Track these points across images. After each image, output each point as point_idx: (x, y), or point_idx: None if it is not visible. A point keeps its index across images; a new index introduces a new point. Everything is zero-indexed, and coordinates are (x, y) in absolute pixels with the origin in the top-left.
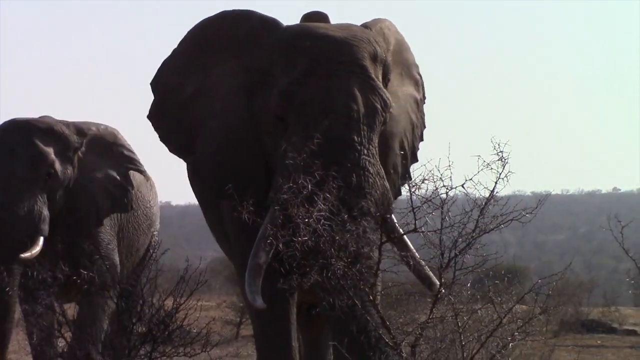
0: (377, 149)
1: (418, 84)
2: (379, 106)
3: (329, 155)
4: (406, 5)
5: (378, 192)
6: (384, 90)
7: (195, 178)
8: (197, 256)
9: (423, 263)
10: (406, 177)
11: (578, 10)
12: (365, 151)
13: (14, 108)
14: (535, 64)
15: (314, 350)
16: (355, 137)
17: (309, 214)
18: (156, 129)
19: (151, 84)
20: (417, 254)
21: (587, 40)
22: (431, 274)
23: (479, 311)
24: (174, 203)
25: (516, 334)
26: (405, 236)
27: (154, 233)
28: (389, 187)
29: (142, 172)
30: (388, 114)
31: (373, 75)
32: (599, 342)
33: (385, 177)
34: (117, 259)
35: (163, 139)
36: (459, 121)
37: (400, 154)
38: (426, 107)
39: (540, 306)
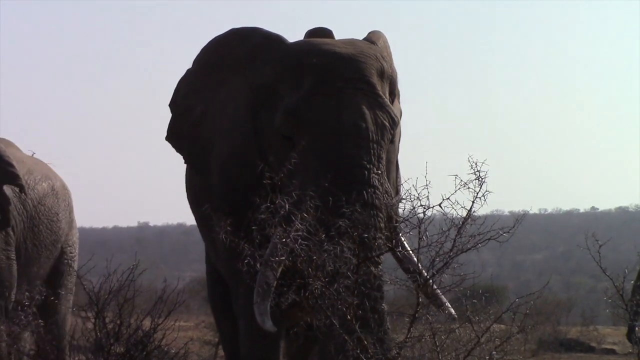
0: (384, 166)
1: (399, 95)
2: (387, 124)
3: (340, 175)
4: (382, 25)
5: (389, 208)
6: (392, 107)
7: (198, 192)
8: (175, 276)
9: (437, 289)
10: (397, 191)
11: (553, 31)
12: (375, 169)
13: None
14: (513, 85)
15: None
16: (364, 156)
17: (286, 234)
18: (177, 150)
19: (169, 105)
20: (424, 272)
21: (563, 61)
22: (439, 292)
23: (456, 330)
24: (152, 224)
25: (494, 353)
26: (412, 253)
27: (69, 247)
28: (394, 204)
29: (20, 186)
30: (395, 131)
31: (380, 92)
32: None
33: (391, 193)
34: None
35: (186, 160)
36: (436, 140)
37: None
38: (403, 127)
39: (518, 325)
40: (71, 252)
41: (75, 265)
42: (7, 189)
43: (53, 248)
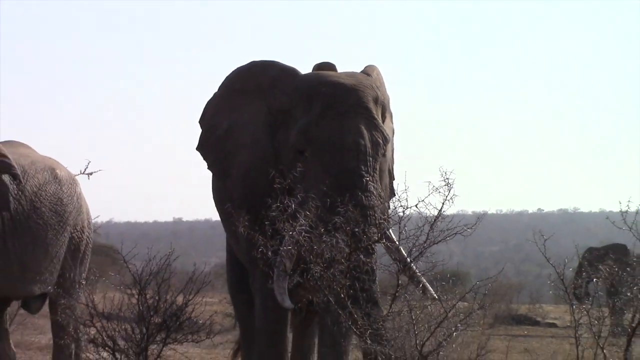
0: (378, 175)
1: (392, 116)
2: (380, 141)
3: (343, 183)
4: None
5: (379, 209)
6: (384, 128)
7: (221, 193)
8: (203, 262)
9: (417, 272)
10: (393, 193)
11: (511, 44)
12: (371, 178)
13: None
14: (472, 110)
15: (302, 340)
16: (363, 167)
17: (292, 228)
18: (204, 158)
19: (199, 122)
20: (413, 265)
21: (516, 72)
22: (424, 279)
23: (429, 307)
24: (185, 219)
25: (459, 325)
26: (400, 247)
27: (77, 232)
28: (386, 205)
29: (14, 175)
30: (387, 146)
31: (376, 115)
32: (525, 332)
33: (383, 196)
34: None
35: (209, 166)
36: (412, 153)
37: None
38: (397, 141)
39: (478, 303)
40: (79, 238)
41: (85, 249)
42: (5, 178)
43: (60, 229)
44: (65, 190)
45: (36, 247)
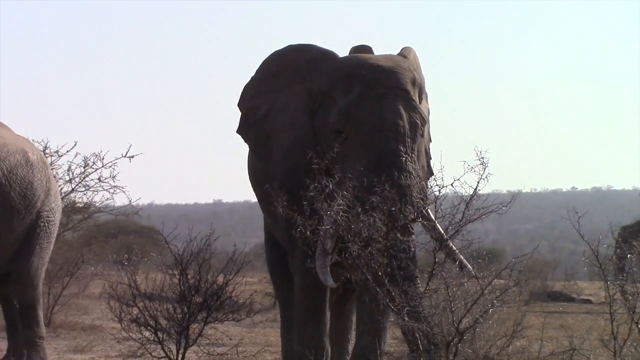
0: (416, 155)
1: (427, 96)
2: (419, 122)
3: (383, 163)
4: (390, 25)
5: (417, 188)
6: (422, 109)
7: (260, 175)
8: (242, 242)
9: (455, 249)
10: (431, 172)
11: (544, 23)
12: (409, 158)
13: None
14: (512, 89)
15: (340, 317)
16: (402, 148)
17: (330, 208)
18: (246, 141)
19: (238, 105)
20: (451, 243)
21: (545, 54)
22: (462, 257)
23: (465, 284)
24: (224, 200)
25: (495, 302)
26: (435, 222)
27: (45, 212)
28: (424, 184)
29: None
30: (424, 128)
31: (414, 97)
32: (561, 309)
33: (421, 176)
34: None
35: (252, 149)
36: (448, 133)
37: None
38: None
39: (514, 280)
40: (48, 217)
41: (54, 228)
42: None
43: (26, 213)
44: (37, 174)
45: (1, 230)
